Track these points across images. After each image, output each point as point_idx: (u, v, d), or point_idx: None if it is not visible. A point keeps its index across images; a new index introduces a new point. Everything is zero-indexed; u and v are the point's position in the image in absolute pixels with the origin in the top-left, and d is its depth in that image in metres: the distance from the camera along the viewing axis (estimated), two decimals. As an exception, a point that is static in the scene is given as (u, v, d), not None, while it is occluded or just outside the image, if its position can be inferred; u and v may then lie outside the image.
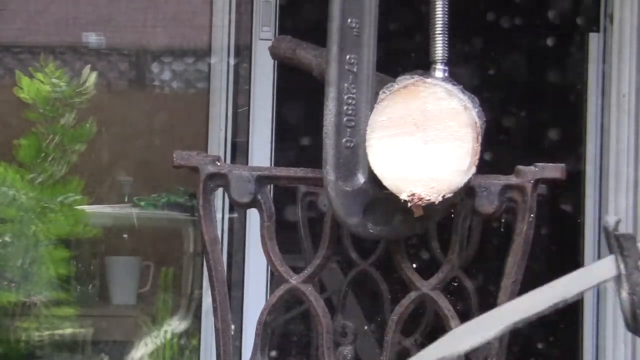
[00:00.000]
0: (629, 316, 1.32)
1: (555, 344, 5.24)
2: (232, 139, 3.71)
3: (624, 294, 1.31)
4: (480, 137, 1.34)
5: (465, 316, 2.15)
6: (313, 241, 2.15)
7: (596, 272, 1.34)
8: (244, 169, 1.46)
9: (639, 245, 1.31)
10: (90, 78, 4.04)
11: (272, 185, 1.51)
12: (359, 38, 1.42)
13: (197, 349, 3.80)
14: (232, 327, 1.49)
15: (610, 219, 1.32)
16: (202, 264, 3.78)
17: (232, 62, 3.78)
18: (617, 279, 1.32)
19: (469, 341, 1.28)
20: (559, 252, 5.01)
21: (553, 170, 1.44)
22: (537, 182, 1.43)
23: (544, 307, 1.32)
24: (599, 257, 3.60)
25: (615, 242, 1.32)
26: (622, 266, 1.31)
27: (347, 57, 1.41)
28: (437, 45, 1.45)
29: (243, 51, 3.78)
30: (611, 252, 1.31)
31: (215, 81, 3.85)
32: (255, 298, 3.62)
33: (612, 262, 1.33)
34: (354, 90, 1.41)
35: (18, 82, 3.92)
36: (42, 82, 3.91)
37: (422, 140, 1.35)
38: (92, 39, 4.57)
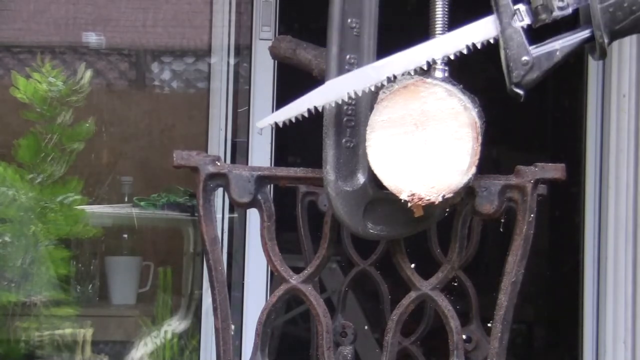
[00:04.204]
0: (505, 71, 1.37)
1: (556, 344, 5.24)
2: (232, 139, 3.71)
3: (501, 52, 1.37)
4: (480, 137, 1.34)
5: (465, 316, 2.16)
6: (313, 241, 2.15)
7: (477, 30, 1.38)
8: (244, 169, 1.46)
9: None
10: (86, 75, 4.04)
11: (272, 185, 1.51)
12: (358, 38, 1.41)
13: (197, 349, 3.81)
14: (232, 327, 1.49)
15: None
16: (202, 264, 3.78)
17: (232, 62, 3.78)
18: (499, 37, 1.37)
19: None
20: (559, 251, 5.02)
21: (553, 170, 1.44)
22: (537, 182, 1.43)
23: (431, 58, 1.38)
24: (599, 257, 3.60)
25: (492, 0, 1.37)
26: (497, 23, 1.36)
27: (347, 57, 1.41)
28: (437, 45, 1.44)
29: (243, 51, 3.78)
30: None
31: (215, 81, 3.85)
32: (255, 298, 3.62)
33: (491, 22, 1.38)
34: (354, 90, 1.41)
35: (14, 82, 3.92)
36: (38, 81, 3.91)
37: (422, 140, 1.35)
38: (92, 39, 4.57)
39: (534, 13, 1.37)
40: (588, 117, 3.67)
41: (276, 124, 1.40)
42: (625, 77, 3.52)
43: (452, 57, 1.39)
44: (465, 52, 1.38)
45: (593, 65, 3.64)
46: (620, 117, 3.52)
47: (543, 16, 1.37)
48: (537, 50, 1.37)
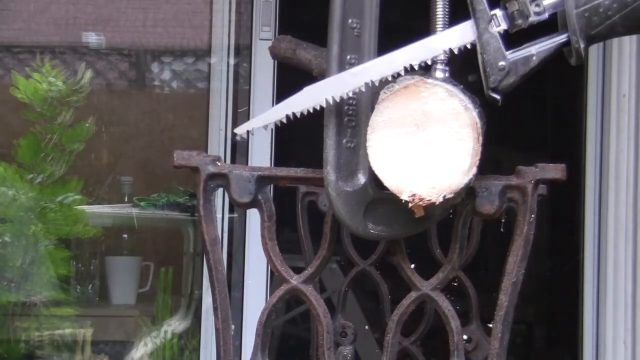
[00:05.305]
0: (482, 76, 1.38)
1: (556, 344, 5.24)
2: (232, 139, 3.71)
3: (479, 57, 1.37)
4: (481, 138, 1.34)
5: (465, 316, 2.16)
6: (313, 241, 2.15)
7: (455, 35, 1.39)
8: (244, 169, 1.46)
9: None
10: (86, 75, 4.04)
11: (272, 185, 1.51)
12: (359, 38, 1.41)
13: (197, 349, 3.81)
14: (232, 327, 1.49)
15: None
16: (202, 264, 3.78)
17: (232, 62, 3.78)
18: (476, 42, 1.38)
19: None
20: (559, 251, 5.02)
21: (554, 170, 1.44)
22: (538, 182, 1.43)
23: (408, 63, 1.38)
24: (599, 257, 3.60)
25: (470, 6, 1.38)
26: (474, 29, 1.37)
27: (348, 57, 1.41)
28: (437, 46, 1.44)
29: (243, 51, 3.78)
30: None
31: (215, 81, 3.85)
32: (255, 298, 3.62)
33: (469, 27, 1.38)
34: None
35: (14, 82, 3.92)
36: (38, 81, 3.91)
37: (423, 140, 1.35)
38: (92, 39, 4.57)
39: (510, 18, 1.37)
40: (588, 117, 3.67)
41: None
42: (625, 77, 3.52)
43: (429, 62, 1.39)
44: (442, 57, 1.39)
45: (593, 65, 3.65)
46: (620, 117, 3.52)
47: (519, 21, 1.37)
48: (513, 55, 1.37)
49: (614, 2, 1.35)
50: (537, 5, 1.36)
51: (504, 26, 1.37)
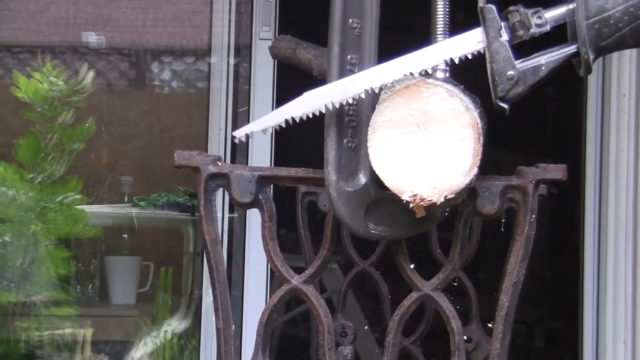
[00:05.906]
0: (491, 85, 1.38)
1: (556, 344, 5.24)
2: (232, 138, 3.70)
3: (487, 65, 1.37)
4: (481, 138, 1.34)
5: (465, 316, 2.16)
6: (313, 241, 2.15)
7: (464, 42, 1.39)
8: (245, 169, 1.46)
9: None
10: (88, 76, 4.04)
11: (272, 185, 1.51)
12: (360, 38, 1.41)
13: (197, 349, 3.81)
14: (233, 327, 1.49)
15: None
16: (202, 264, 3.78)
17: (232, 61, 3.78)
18: (485, 50, 1.38)
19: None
20: (559, 251, 5.02)
21: (554, 170, 1.44)
22: (539, 182, 1.43)
23: (412, 70, 1.37)
24: (599, 256, 3.60)
25: (480, 15, 1.37)
26: (484, 37, 1.37)
27: (348, 57, 1.41)
28: (438, 46, 1.44)
29: (243, 51, 3.78)
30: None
31: (215, 81, 3.85)
32: (256, 298, 3.62)
33: (478, 34, 1.38)
34: (355, 91, 1.41)
35: (15, 81, 3.92)
36: (39, 81, 3.91)
37: (424, 140, 1.35)
38: (92, 39, 4.57)
39: (511, 29, 1.37)
40: (588, 117, 3.67)
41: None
42: (625, 77, 3.52)
43: (429, 71, 1.39)
44: (448, 64, 1.39)
45: (593, 66, 3.64)
46: (620, 117, 3.52)
47: (520, 32, 1.37)
48: (522, 65, 1.37)
49: (625, 15, 1.35)
50: (539, 17, 1.36)
51: (505, 37, 1.37)
